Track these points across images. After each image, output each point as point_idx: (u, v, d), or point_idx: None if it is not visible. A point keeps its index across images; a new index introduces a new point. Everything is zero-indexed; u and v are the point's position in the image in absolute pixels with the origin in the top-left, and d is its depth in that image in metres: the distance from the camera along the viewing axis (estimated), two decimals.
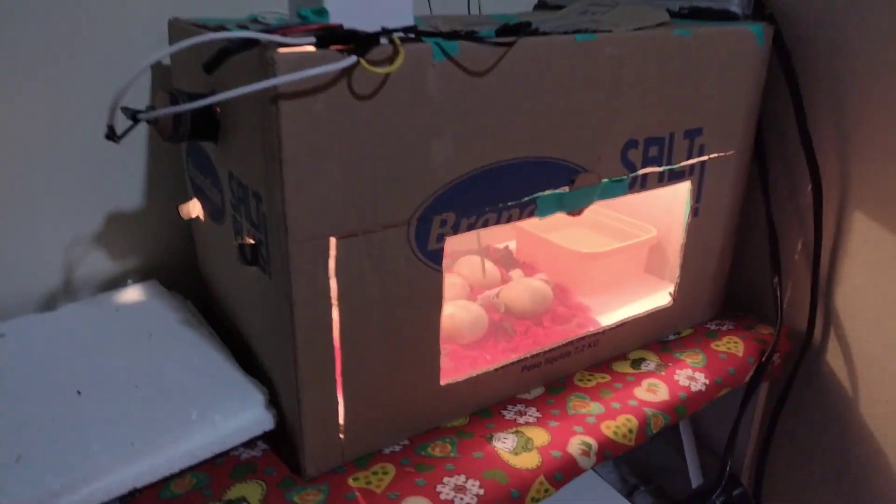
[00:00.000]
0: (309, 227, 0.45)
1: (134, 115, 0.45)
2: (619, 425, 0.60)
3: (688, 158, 0.64)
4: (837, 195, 0.71)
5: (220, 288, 0.65)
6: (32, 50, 0.61)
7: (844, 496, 0.78)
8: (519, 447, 0.56)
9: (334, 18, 0.42)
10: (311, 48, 0.41)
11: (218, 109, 0.51)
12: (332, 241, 0.46)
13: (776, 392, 0.79)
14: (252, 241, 0.49)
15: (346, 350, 0.49)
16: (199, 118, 0.50)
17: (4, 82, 0.61)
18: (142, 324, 0.63)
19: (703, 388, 0.66)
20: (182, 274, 0.76)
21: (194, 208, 0.64)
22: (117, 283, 0.72)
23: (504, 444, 0.56)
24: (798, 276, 0.76)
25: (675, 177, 0.64)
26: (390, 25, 0.45)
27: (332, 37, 0.41)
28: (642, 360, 0.69)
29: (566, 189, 0.57)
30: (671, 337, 0.74)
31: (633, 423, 0.61)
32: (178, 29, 0.60)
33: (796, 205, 0.75)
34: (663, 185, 0.64)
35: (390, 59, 0.43)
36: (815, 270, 0.74)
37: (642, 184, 0.62)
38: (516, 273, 0.80)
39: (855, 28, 0.66)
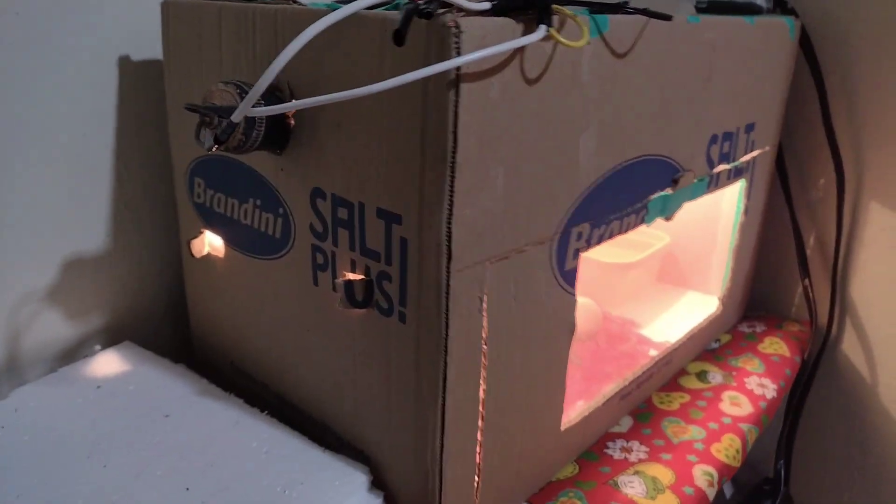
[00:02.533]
0: (472, 250, 0.35)
1: (217, 119, 0.33)
2: (726, 447, 0.55)
3: (745, 154, 0.61)
4: (853, 186, 0.72)
5: (257, 343, 0.50)
6: None
7: (867, 482, 0.79)
8: (651, 490, 0.49)
9: None
10: (492, 16, 0.32)
11: (290, 114, 0.39)
12: (489, 266, 0.36)
13: (798, 385, 0.79)
14: (363, 277, 0.38)
15: (489, 403, 0.39)
16: (270, 123, 0.38)
17: None
18: (145, 402, 0.48)
19: (775, 395, 0.63)
20: (162, 332, 0.60)
21: (207, 243, 0.50)
22: (78, 350, 0.55)
23: (633, 489, 0.49)
24: (813, 268, 0.76)
25: (737, 174, 0.61)
26: None
27: (509, 4, 0.32)
28: (705, 372, 0.65)
29: (669, 191, 0.51)
30: (714, 344, 0.70)
31: (737, 442, 0.56)
32: (175, 9, 0.46)
33: (808, 199, 0.75)
34: (728, 184, 0.60)
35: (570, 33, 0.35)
36: (835, 263, 0.74)
37: (716, 182, 0.58)
38: None
39: (865, 21, 0.67)
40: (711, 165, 0.56)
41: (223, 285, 0.51)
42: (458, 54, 0.30)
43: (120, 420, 0.46)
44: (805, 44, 0.67)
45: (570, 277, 0.43)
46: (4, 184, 0.48)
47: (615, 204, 0.45)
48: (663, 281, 0.79)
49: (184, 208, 0.52)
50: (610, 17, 0.39)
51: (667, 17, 0.41)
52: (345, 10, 0.30)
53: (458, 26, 0.30)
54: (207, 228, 0.50)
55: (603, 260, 0.71)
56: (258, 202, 0.44)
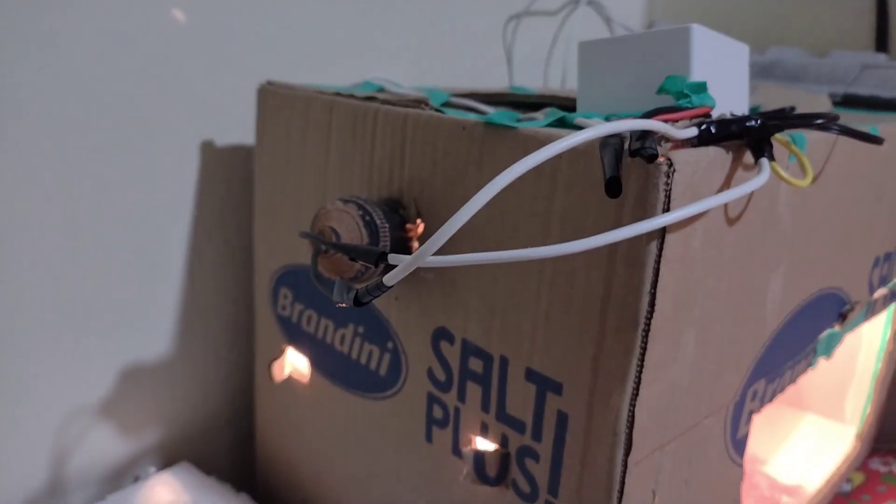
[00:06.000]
0: (654, 436, 0.27)
1: (349, 260, 0.26)
2: None
3: None
4: None
5: (339, 487, 0.43)
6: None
7: None
8: None
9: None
10: (702, 148, 0.25)
11: (415, 230, 0.32)
12: (667, 450, 0.28)
13: None
14: (498, 448, 0.30)
15: None
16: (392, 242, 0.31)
17: None
18: None
19: None
20: (222, 450, 0.53)
21: (289, 364, 0.43)
22: (129, 471, 0.48)
23: None
24: None
25: (891, 298, 0.52)
26: (733, 106, 0.29)
27: (720, 131, 0.25)
28: None
29: (838, 327, 0.43)
30: (846, 486, 0.60)
31: None
32: (275, 96, 0.41)
33: None
34: (884, 310, 0.52)
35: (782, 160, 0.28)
36: None
37: (874, 310, 0.49)
38: None
39: None
40: (871, 291, 0.48)
41: (304, 414, 0.43)
42: (668, 199, 0.23)
43: None
44: None
45: (740, 447, 0.34)
46: (59, 282, 0.42)
47: (791, 351, 0.37)
48: (779, 401, 0.70)
49: (264, 319, 0.45)
50: (807, 135, 0.32)
51: (878, 142, 0.33)
52: (564, 143, 0.22)
53: (671, 164, 0.23)
54: (291, 346, 0.43)
55: None
56: (360, 329, 0.37)
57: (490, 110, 0.33)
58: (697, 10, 0.75)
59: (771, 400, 0.36)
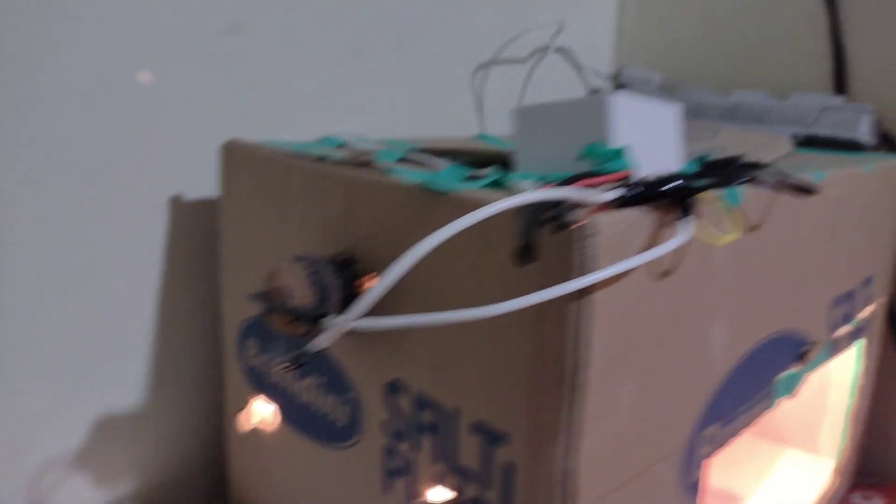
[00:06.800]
0: (598, 483, 0.28)
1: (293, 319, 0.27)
2: None
3: (864, 310, 0.54)
4: None
5: None
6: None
7: None
8: None
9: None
10: (623, 210, 0.26)
11: (365, 285, 0.33)
12: (614, 496, 0.29)
13: None
14: (455, 498, 0.31)
15: None
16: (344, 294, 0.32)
17: None
18: None
19: None
20: (197, 497, 0.53)
21: (256, 414, 0.44)
22: None
23: None
24: None
25: (857, 335, 0.53)
26: (661, 166, 0.31)
27: (641, 193, 0.26)
28: None
29: (798, 367, 0.43)
30: None
31: None
32: (237, 154, 0.42)
33: None
34: (848, 348, 0.52)
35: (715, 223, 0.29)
36: None
37: (837, 348, 0.50)
38: None
39: None
40: (833, 330, 0.49)
41: (273, 463, 0.44)
42: (587, 261, 0.24)
43: None
44: None
45: (693, 492, 0.35)
46: (34, 334, 0.43)
47: (745, 394, 0.37)
48: (758, 435, 0.70)
49: (231, 370, 0.46)
50: (743, 190, 0.33)
51: (811, 192, 0.34)
52: (467, 220, 0.24)
53: (588, 229, 0.24)
54: (260, 395, 0.44)
55: None
56: (322, 380, 0.38)
57: (445, 165, 0.34)
58: (665, 55, 0.78)
59: (725, 444, 0.37)
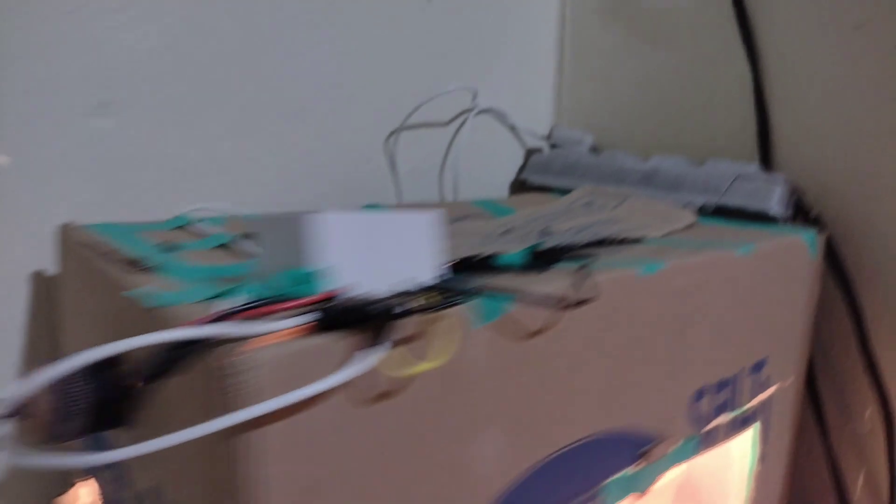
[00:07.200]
0: None
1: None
2: None
3: (754, 397, 0.51)
4: None
5: None
6: None
7: None
8: None
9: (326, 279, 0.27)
10: (304, 336, 0.25)
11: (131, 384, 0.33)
12: None
13: None
14: None
15: None
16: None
17: None
18: None
19: None
20: None
21: (76, 500, 0.44)
22: None
23: None
24: None
25: (744, 423, 0.50)
26: (398, 282, 0.29)
27: (337, 318, 0.25)
28: None
29: (637, 467, 0.41)
30: None
31: None
32: (72, 239, 0.43)
33: (853, 431, 0.62)
34: (733, 436, 0.50)
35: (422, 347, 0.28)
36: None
37: (712, 439, 0.47)
38: None
39: None
40: (702, 422, 0.46)
41: None
42: (245, 395, 0.23)
43: None
44: (831, 261, 0.58)
45: None
46: None
47: (550, 500, 0.36)
48: None
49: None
50: (504, 304, 0.31)
51: (584, 302, 0.33)
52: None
53: (244, 362, 0.23)
54: (88, 478, 0.44)
55: None
56: (112, 474, 0.38)
57: (257, 253, 0.33)
58: (599, 116, 0.76)
59: None
